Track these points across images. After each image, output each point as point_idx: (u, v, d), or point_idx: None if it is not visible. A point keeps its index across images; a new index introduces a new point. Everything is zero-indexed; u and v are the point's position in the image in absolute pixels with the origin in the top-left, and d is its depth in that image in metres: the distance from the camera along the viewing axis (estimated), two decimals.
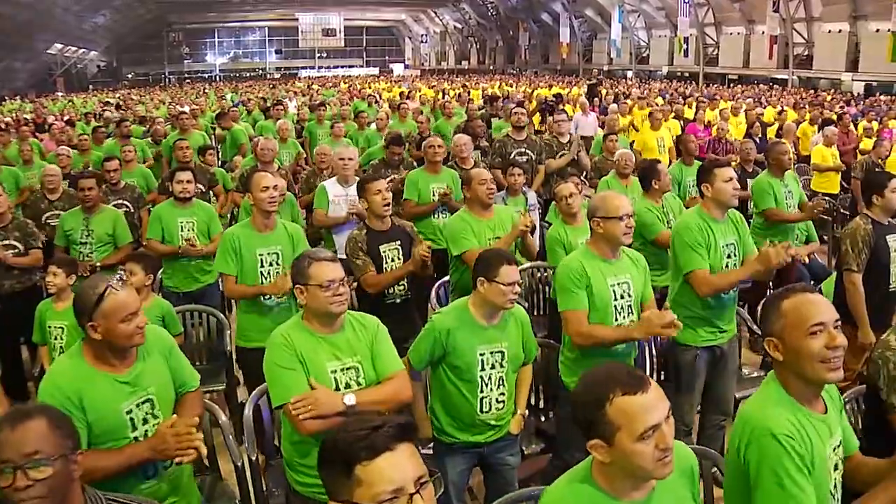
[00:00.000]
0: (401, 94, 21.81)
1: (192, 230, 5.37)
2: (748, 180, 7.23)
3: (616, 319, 3.58)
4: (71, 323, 4.19)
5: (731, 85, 33.18)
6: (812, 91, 28.45)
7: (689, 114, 13.69)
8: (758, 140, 10.29)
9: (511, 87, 27.37)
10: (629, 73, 44.00)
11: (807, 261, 6.06)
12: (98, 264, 5.40)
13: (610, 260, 3.61)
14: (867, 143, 10.85)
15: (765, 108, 16.56)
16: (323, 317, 2.89)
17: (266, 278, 4.24)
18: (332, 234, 5.81)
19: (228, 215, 7.25)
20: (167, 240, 5.35)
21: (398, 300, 4.48)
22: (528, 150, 7.26)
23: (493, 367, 3.31)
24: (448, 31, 63.06)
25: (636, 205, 5.55)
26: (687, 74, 40.02)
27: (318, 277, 2.84)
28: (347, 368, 2.89)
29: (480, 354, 3.28)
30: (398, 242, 4.46)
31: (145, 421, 2.65)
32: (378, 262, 4.38)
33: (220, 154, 10.12)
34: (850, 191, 9.01)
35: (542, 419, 4.19)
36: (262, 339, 4.24)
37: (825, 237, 8.17)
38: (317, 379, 2.80)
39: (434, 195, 5.99)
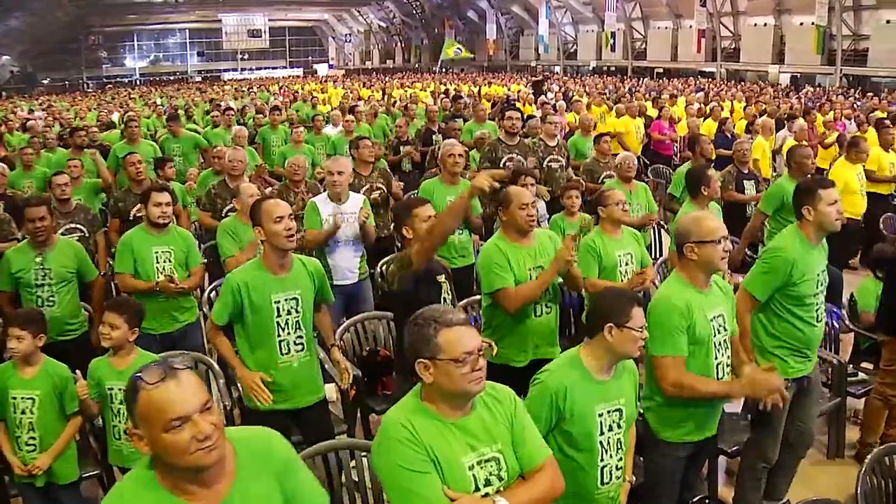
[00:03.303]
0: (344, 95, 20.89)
1: (170, 261, 4.54)
2: (745, 182, 7.01)
3: (716, 358, 3.15)
4: (45, 392, 3.40)
5: (661, 79, 33.54)
6: (741, 82, 29.01)
7: (652, 111, 13.35)
8: (729, 136, 10.07)
9: (450, 85, 26.73)
10: (556, 69, 44.05)
11: None
12: None
13: (705, 291, 3.15)
14: (830, 137, 10.75)
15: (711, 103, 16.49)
16: (456, 398, 2.25)
17: (284, 330, 3.51)
18: (325, 257, 5.10)
19: None
20: (140, 274, 4.50)
21: None
22: (518, 155, 6.72)
23: (610, 428, 2.75)
24: (372, 29, 62.16)
25: (680, 210, 5.18)
26: (614, 69, 40.32)
27: (452, 349, 2.19)
28: (487, 461, 2.25)
29: (599, 415, 2.72)
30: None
31: None
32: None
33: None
34: None
35: None
36: (281, 401, 3.56)
37: None
38: (453, 480, 2.18)
39: None
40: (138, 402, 1.78)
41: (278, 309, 3.50)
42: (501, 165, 6.55)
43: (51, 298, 4.51)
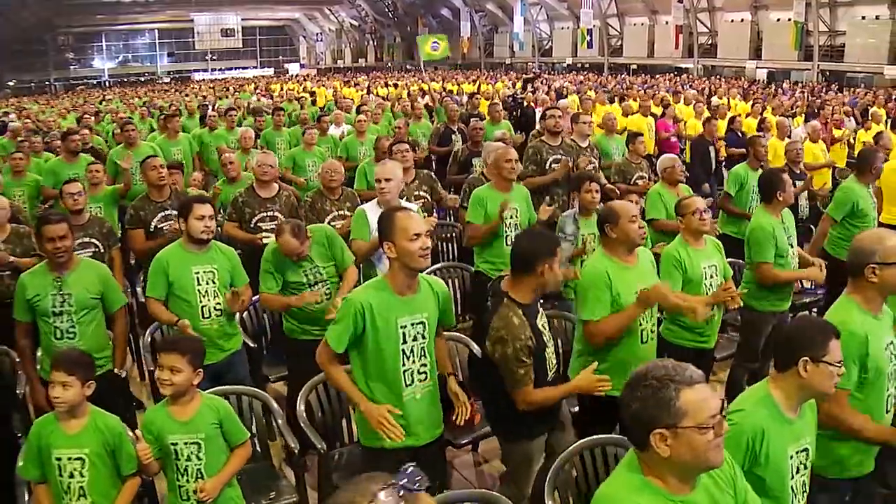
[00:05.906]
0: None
1: (213, 282, 3.98)
2: (796, 182, 6.67)
3: (888, 389, 2.89)
4: (95, 450, 2.84)
5: (637, 75, 33.42)
6: (717, 77, 28.96)
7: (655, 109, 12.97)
8: (739, 135, 9.77)
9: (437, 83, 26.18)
10: (531, 66, 43.77)
11: None
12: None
13: (879, 316, 2.86)
14: (837, 133, 10.53)
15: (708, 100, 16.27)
16: (694, 471, 1.94)
17: (409, 358, 3.06)
18: (373, 267, 4.70)
19: None
20: (181, 297, 3.95)
21: None
22: (564, 157, 6.28)
23: (798, 470, 2.45)
24: (344, 28, 61.36)
25: (753, 217, 4.79)
26: (588, 65, 40.10)
27: (698, 413, 1.85)
28: None
29: (790, 458, 2.40)
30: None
31: None
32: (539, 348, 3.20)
33: None
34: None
35: None
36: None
37: None
38: None
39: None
40: None
41: (404, 335, 3.04)
42: (547, 167, 6.12)
43: (71, 330, 3.92)
